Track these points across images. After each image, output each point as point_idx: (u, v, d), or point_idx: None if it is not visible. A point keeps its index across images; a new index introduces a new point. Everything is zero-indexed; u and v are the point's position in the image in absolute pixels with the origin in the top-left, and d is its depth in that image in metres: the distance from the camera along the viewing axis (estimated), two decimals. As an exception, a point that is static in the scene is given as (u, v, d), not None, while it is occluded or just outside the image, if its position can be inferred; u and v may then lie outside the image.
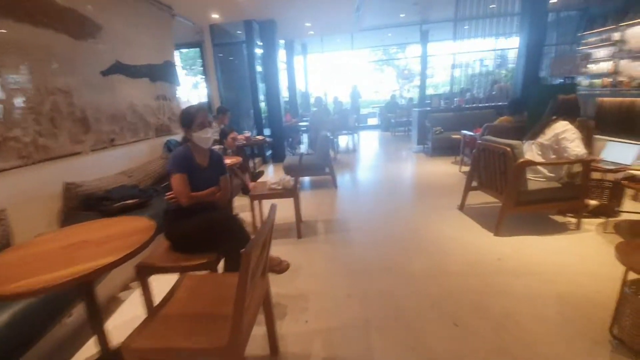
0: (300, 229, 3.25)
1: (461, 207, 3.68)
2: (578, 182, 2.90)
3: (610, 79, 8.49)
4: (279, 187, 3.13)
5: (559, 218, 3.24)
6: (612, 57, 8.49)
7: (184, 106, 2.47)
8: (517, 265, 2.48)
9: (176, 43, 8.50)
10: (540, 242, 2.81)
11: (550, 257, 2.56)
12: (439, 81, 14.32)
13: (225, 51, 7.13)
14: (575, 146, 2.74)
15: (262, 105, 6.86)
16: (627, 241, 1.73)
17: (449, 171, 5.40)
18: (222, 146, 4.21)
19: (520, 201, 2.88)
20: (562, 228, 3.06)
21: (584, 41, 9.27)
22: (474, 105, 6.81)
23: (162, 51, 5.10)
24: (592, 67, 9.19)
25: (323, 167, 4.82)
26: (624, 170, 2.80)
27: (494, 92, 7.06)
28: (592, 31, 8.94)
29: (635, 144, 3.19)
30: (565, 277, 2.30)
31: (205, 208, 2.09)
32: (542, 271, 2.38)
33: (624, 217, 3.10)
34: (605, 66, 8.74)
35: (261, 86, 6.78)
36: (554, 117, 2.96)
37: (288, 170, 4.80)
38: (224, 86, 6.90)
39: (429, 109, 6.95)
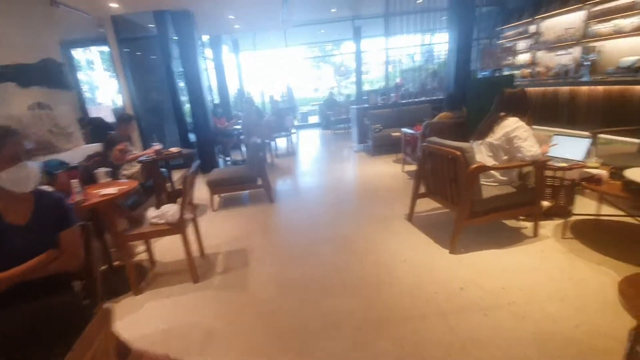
0: (195, 272, 2.45)
1: (409, 217, 3.19)
2: (532, 185, 2.55)
3: (529, 70, 8.88)
4: (161, 222, 2.34)
5: (512, 223, 2.90)
6: (529, 49, 8.87)
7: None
8: (482, 296, 2.00)
9: (74, 39, 7.13)
10: (501, 258, 2.39)
11: (515, 279, 2.14)
12: (374, 77, 14.23)
13: (136, 47, 5.95)
14: (529, 145, 2.36)
15: (187, 108, 5.88)
16: (629, 278, 1.28)
17: (391, 171, 4.98)
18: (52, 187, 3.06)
19: (474, 212, 2.44)
20: (518, 236, 2.71)
21: (503, 35, 9.62)
22: (410, 100, 6.53)
23: (37, 48, 3.93)
24: (512, 60, 9.59)
25: (254, 178, 4.07)
26: (577, 168, 2.49)
27: (428, 87, 6.84)
28: (510, 25, 9.28)
29: (583, 137, 2.92)
30: (536, 305, 1.87)
31: (30, 291, 1.26)
32: (510, 300, 1.93)
33: (578, 217, 2.84)
34: (523, 58, 9.14)
35: (182, 87, 5.79)
36: (502, 114, 2.56)
37: (212, 186, 3.98)
38: (140, 89, 5.77)
39: (367, 105, 6.52)
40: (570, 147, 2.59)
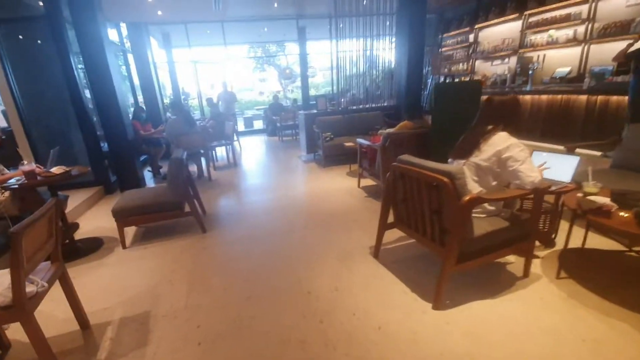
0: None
1: (376, 253, 2.54)
2: (525, 217, 2.05)
3: (468, 78, 8.95)
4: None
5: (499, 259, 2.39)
6: (468, 58, 8.95)
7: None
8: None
9: None
10: (497, 313, 1.84)
11: (523, 348, 1.59)
12: (320, 81, 13.70)
13: (21, 31, 4.46)
14: (528, 170, 1.83)
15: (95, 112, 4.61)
16: None
17: (347, 186, 4.35)
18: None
19: (464, 253, 1.85)
20: (506, 276, 2.20)
21: (443, 43, 9.64)
22: (361, 107, 6.00)
23: None
24: (452, 68, 9.66)
25: (179, 204, 3.12)
26: (568, 191, 2.04)
27: (378, 93, 6.38)
28: (450, 33, 9.31)
29: (569, 154, 2.48)
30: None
31: None
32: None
33: (559, 246, 2.44)
34: (462, 67, 9.22)
35: (86, 84, 4.51)
36: (490, 127, 2.00)
37: (119, 217, 2.94)
38: (30, 86, 4.35)
39: (315, 111, 5.84)
40: (555, 167, 2.14)
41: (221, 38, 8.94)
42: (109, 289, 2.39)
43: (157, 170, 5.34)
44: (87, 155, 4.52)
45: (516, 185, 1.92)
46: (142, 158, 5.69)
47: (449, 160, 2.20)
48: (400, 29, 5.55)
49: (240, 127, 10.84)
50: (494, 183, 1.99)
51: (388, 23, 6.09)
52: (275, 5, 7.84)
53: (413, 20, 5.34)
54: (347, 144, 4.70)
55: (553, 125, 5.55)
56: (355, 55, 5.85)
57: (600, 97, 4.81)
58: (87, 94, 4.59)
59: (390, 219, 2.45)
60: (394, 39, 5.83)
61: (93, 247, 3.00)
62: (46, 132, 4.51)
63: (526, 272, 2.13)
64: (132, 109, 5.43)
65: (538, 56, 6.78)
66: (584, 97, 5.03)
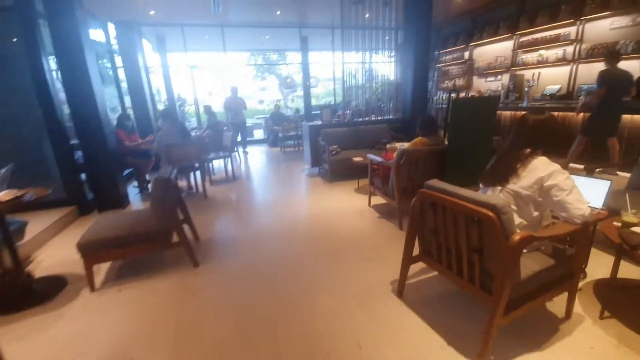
0: None
1: (400, 292, 1.95)
2: (569, 252, 1.59)
3: (463, 93, 8.49)
4: None
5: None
6: (464, 74, 8.50)
7: None
8: None
9: None
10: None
11: None
12: (321, 91, 13.04)
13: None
14: (576, 201, 1.41)
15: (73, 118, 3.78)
16: None
17: (356, 206, 3.67)
18: None
19: (510, 300, 1.36)
20: (547, 318, 1.77)
21: (440, 59, 9.15)
22: (367, 119, 5.35)
23: None
24: (448, 83, 9.20)
25: (165, 234, 2.37)
26: (603, 219, 1.72)
27: (382, 105, 5.74)
28: (446, 50, 8.84)
29: (597, 177, 2.03)
30: None
31: None
32: None
33: (590, 276, 2.07)
34: (459, 82, 8.76)
35: (60, 88, 3.69)
36: (528, 150, 1.55)
37: (87, 251, 2.19)
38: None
39: (320, 123, 5.15)
40: (583, 191, 1.58)
41: (220, 43, 8.16)
42: (64, 355, 1.64)
43: (145, 185, 4.52)
44: (58, 169, 3.68)
45: (563, 218, 1.48)
46: (127, 172, 4.89)
47: (481, 186, 1.75)
48: (407, 43, 4.97)
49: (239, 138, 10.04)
50: (536, 214, 1.50)
51: (387, 37, 5.50)
52: (278, 12, 7.17)
53: (419, 35, 4.80)
54: (356, 159, 4.03)
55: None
56: (355, 68, 5.21)
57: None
58: (62, 97, 3.77)
59: (415, 250, 1.91)
60: (392, 53, 5.27)
61: (53, 289, 2.22)
62: (8, 142, 3.66)
63: (568, 313, 1.74)
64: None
65: (533, 74, 6.55)
66: (580, 115, 4.65)
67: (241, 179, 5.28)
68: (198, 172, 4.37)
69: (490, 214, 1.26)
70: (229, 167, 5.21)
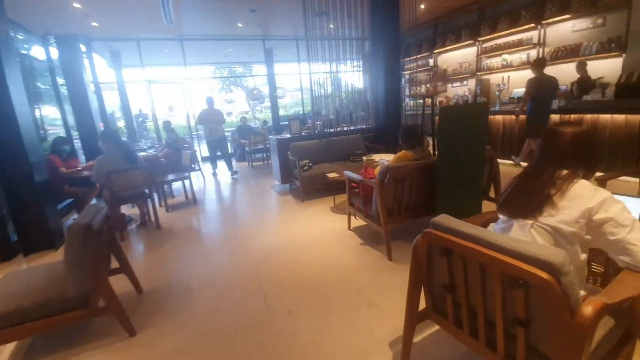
0: None
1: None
2: (625, 305, 1.06)
3: (430, 99, 8.39)
4: None
5: None
6: (430, 80, 8.42)
7: None
8: None
9: None
10: None
11: None
12: (288, 101, 12.55)
13: None
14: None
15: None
16: None
17: (335, 229, 3.17)
18: None
19: None
20: None
21: (406, 66, 9.05)
22: (339, 130, 4.92)
23: None
24: (415, 90, 9.10)
25: (86, 299, 1.73)
26: None
27: (353, 114, 5.34)
28: (411, 58, 8.75)
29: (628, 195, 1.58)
30: None
31: None
32: None
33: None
34: (425, 89, 8.67)
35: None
36: (566, 172, 1.12)
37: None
38: None
39: (289, 136, 4.64)
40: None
41: (181, 58, 7.47)
42: None
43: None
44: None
45: (623, 263, 1.02)
46: (66, 202, 4.09)
47: (501, 218, 1.27)
48: (375, 52, 4.66)
49: (204, 152, 9.25)
50: (583, 256, 1.06)
51: (353, 47, 5.15)
52: (240, 25, 6.64)
53: (387, 43, 4.52)
54: (331, 176, 3.57)
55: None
56: (322, 78, 4.80)
57: (573, 116, 4.35)
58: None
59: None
60: (357, 63, 4.94)
61: None
62: None
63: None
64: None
65: (503, 78, 6.53)
66: (556, 117, 4.54)
67: (203, 202, 4.58)
68: (155, 197, 3.67)
69: (545, 275, 0.80)
70: (191, 189, 4.48)
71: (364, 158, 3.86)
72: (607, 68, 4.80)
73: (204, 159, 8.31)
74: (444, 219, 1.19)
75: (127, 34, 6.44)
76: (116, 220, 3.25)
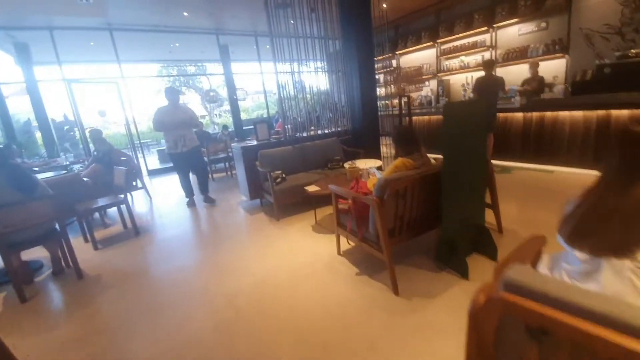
0: None
1: None
2: None
3: (396, 100, 8.18)
4: None
5: None
6: (394, 82, 8.19)
7: None
8: None
9: None
10: None
11: None
12: (250, 105, 11.47)
13: None
14: None
15: None
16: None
17: (322, 255, 2.47)
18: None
19: None
20: None
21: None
22: (312, 133, 4.22)
23: None
24: (380, 91, 8.83)
25: None
26: None
27: (329, 116, 4.67)
28: (375, 58, 8.44)
29: None
30: None
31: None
32: None
33: None
34: (389, 90, 8.43)
35: None
36: None
37: None
38: None
39: (255, 143, 3.81)
40: None
41: (112, 53, 6.11)
42: None
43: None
44: None
45: None
46: None
47: (578, 255, 0.90)
48: (348, 50, 4.10)
49: (153, 163, 7.89)
50: None
51: (317, 46, 4.50)
52: (186, 14, 5.60)
53: (359, 41, 4.01)
54: (311, 190, 2.86)
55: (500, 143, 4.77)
56: (285, 79, 4.08)
57: (535, 114, 4.32)
58: None
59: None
60: (320, 64, 4.34)
61: None
62: None
63: None
64: None
65: (467, 77, 6.65)
66: (520, 115, 4.46)
67: (149, 230, 3.51)
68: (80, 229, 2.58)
69: None
70: (130, 215, 3.37)
71: (346, 165, 3.26)
72: (552, 68, 5.00)
73: (151, 173, 6.99)
74: (526, 275, 0.69)
75: (33, 20, 4.99)
76: (14, 273, 2.16)
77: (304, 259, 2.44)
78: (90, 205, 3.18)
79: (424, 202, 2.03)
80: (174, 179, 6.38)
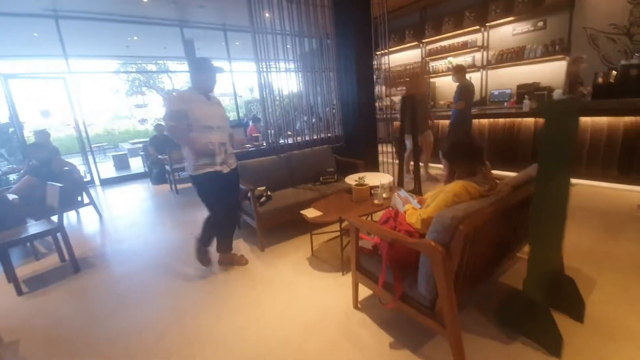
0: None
1: None
2: None
3: (378, 103, 7.87)
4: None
5: None
6: (376, 84, 7.89)
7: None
8: None
9: None
10: None
11: None
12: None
13: None
14: None
15: None
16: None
17: (332, 309, 1.84)
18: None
19: None
20: None
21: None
22: (299, 140, 3.66)
23: None
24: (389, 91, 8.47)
25: None
26: None
27: (314, 121, 4.14)
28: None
29: None
30: None
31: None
32: None
33: None
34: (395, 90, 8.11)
35: None
36: None
37: None
38: None
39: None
40: None
41: (58, 45, 5.16)
42: None
43: None
44: None
45: None
46: None
47: None
48: (344, 42, 3.61)
49: (107, 171, 6.88)
50: None
51: (289, 46, 3.97)
52: (145, 0, 4.83)
53: (358, 30, 3.49)
54: (311, 216, 2.27)
55: (505, 149, 4.50)
56: (268, 79, 3.51)
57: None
58: None
59: None
60: (292, 65, 3.81)
61: None
62: None
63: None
64: None
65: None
66: (530, 120, 4.07)
67: (93, 265, 2.68)
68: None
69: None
70: (67, 247, 2.53)
71: (350, 181, 2.63)
72: (549, 70, 4.77)
73: (105, 183, 6.04)
74: None
75: None
76: None
77: (306, 318, 1.76)
78: (13, 235, 2.39)
79: (492, 243, 1.48)
80: (132, 190, 5.49)
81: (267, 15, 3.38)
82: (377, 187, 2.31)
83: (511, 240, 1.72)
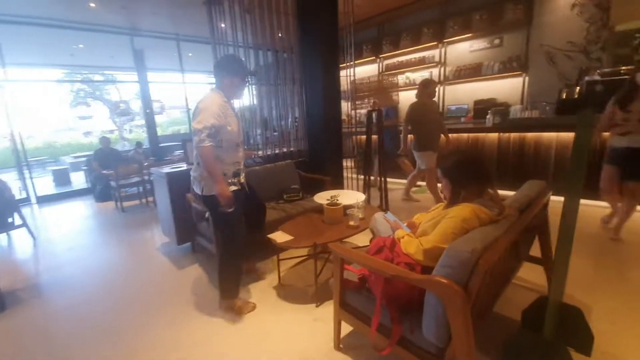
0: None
1: None
2: None
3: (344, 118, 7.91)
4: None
5: None
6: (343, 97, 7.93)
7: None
8: None
9: None
10: None
11: None
12: (165, 120, 9.97)
13: None
14: None
15: None
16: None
17: (308, 352, 1.57)
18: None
19: None
20: None
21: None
22: (260, 154, 3.57)
23: None
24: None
25: None
26: None
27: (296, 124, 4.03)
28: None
29: None
30: None
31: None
32: None
33: None
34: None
35: None
36: None
37: None
38: None
39: (185, 167, 2.94)
40: None
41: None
42: None
43: None
44: None
45: None
46: None
47: None
48: (309, 52, 3.61)
49: (46, 188, 6.16)
50: None
51: (253, 57, 3.92)
52: (92, 4, 4.44)
53: (324, 40, 3.41)
54: (280, 241, 2.00)
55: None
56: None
57: (512, 135, 3.97)
58: None
59: None
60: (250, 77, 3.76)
61: None
62: None
63: None
64: None
65: (415, 95, 6.49)
66: (494, 135, 4.11)
67: (22, 302, 2.16)
68: None
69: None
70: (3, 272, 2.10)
71: (320, 201, 2.37)
72: (508, 87, 4.83)
73: (42, 200, 5.39)
74: None
75: None
76: None
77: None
78: None
79: (500, 274, 1.32)
80: (74, 208, 4.84)
81: (222, 25, 3.29)
82: (352, 206, 2.06)
83: (514, 268, 1.61)
